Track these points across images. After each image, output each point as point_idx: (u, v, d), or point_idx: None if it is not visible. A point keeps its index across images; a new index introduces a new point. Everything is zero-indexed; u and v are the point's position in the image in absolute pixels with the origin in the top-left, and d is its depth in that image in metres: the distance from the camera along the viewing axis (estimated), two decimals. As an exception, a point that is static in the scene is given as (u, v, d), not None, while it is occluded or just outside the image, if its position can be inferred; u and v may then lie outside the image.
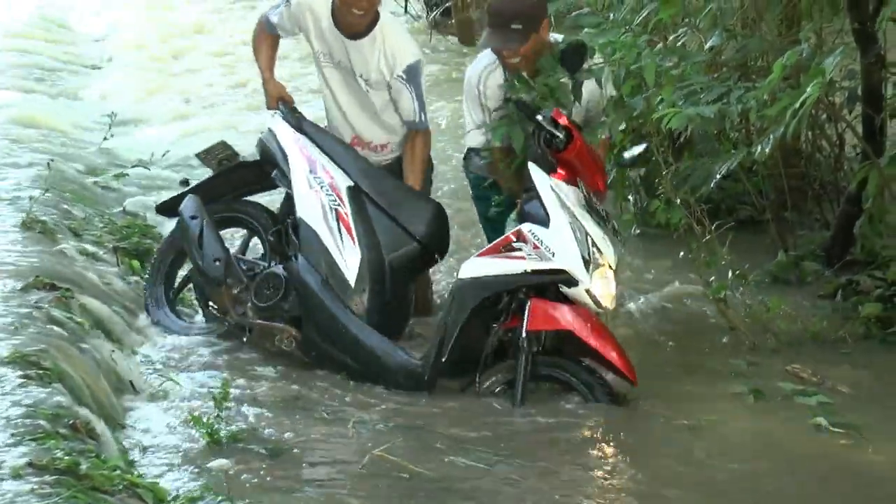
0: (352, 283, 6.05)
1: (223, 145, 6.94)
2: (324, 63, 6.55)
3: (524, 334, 5.49)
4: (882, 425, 5.53)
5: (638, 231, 8.35)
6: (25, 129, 10.11)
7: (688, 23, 7.60)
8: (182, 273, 6.83)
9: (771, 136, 6.27)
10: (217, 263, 6.28)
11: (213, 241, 6.36)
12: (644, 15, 7.74)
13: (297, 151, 6.35)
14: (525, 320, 5.50)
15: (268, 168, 6.52)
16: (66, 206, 7.89)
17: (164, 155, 9.53)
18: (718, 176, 7.17)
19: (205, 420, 5.01)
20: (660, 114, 6.10)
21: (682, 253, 6.93)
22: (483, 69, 6.29)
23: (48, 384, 4.87)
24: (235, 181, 6.80)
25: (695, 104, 6.18)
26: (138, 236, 7.68)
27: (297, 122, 6.48)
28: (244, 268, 6.35)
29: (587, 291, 5.51)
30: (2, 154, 8.94)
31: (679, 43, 7.53)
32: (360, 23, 6.34)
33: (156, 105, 12.48)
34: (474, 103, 6.35)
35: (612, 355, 5.47)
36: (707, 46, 7.45)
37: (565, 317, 5.51)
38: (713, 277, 6.60)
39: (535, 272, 5.53)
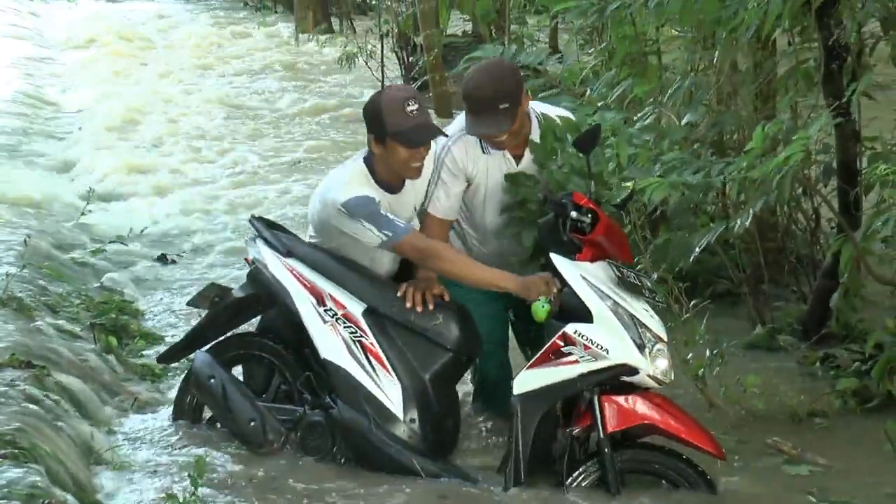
0: (399, 415, 5.80)
1: (213, 286, 6.52)
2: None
3: (602, 436, 5.39)
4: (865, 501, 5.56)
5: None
6: (0, 204, 10.10)
7: (660, 100, 7.66)
8: None
9: (750, 210, 6.31)
10: (253, 424, 5.96)
11: (241, 400, 6.01)
12: (619, 91, 7.83)
13: (298, 284, 5.98)
14: (600, 422, 5.38)
15: (265, 298, 6.19)
16: (42, 283, 7.88)
17: (142, 231, 9.52)
18: (697, 250, 7.19)
19: (180, 498, 4.98)
20: (643, 184, 6.12)
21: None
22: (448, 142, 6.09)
23: (24, 464, 4.86)
24: (234, 315, 6.38)
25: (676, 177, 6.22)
26: (115, 312, 7.67)
27: (283, 244, 6.10)
28: (280, 417, 6.01)
29: (649, 376, 5.42)
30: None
31: (650, 119, 7.59)
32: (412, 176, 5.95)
33: (134, 181, 12.48)
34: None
35: (694, 435, 5.38)
36: (684, 122, 7.51)
37: (640, 409, 5.40)
38: (691, 355, 6.59)
39: (592, 372, 5.41)
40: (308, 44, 21.30)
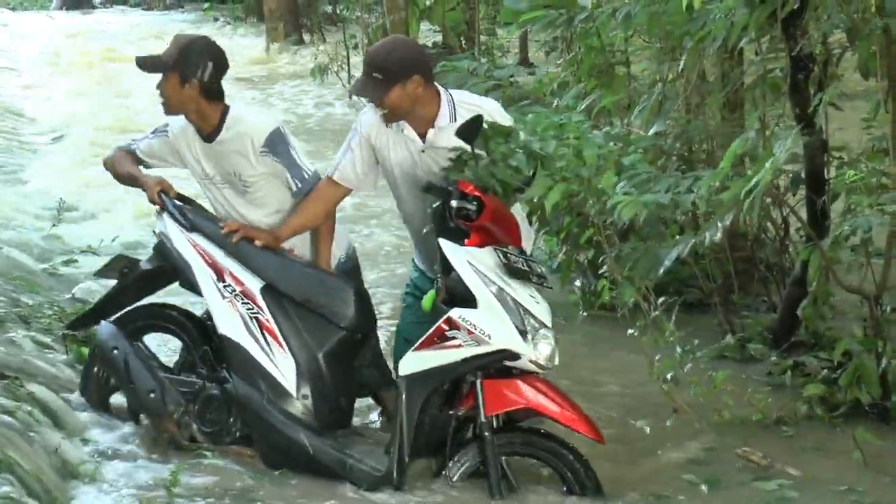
0: (292, 391, 5.91)
1: (121, 257, 6.63)
2: (208, 185, 6.35)
3: (483, 420, 5.48)
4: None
5: (584, 314, 8.40)
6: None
7: (631, 113, 7.72)
8: None
9: (718, 224, 6.36)
10: (153, 395, 6.04)
11: (143, 371, 6.09)
12: (587, 102, 7.88)
13: (199, 260, 6.10)
14: (481, 406, 5.48)
15: (170, 271, 6.29)
16: (14, 294, 7.87)
17: (113, 240, 9.52)
18: (668, 263, 7.23)
19: (155, 509, 5.00)
20: (613, 201, 6.16)
21: (629, 330, 6.96)
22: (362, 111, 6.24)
23: (-3, 474, 4.86)
24: (142, 287, 6.48)
25: (646, 192, 6.25)
26: (87, 323, 7.65)
27: (188, 219, 6.18)
28: (180, 389, 6.10)
29: (531, 361, 5.49)
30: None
31: (618, 129, 7.64)
32: (197, 119, 6.20)
33: (104, 191, 12.46)
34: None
35: (573, 419, 5.45)
36: (651, 132, 7.56)
37: (520, 393, 5.49)
38: (658, 356, 6.63)
39: (475, 357, 5.50)
40: (279, 55, 21.32)
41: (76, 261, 9.36)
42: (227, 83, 6.26)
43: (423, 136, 5.98)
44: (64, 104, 17.26)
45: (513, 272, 5.55)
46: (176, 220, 6.21)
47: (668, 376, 6.57)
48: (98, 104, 17.04)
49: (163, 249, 6.28)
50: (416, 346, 5.59)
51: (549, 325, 5.59)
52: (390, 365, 6.34)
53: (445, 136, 5.90)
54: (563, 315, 8.32)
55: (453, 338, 5.48)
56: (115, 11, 31.55)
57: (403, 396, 5.60)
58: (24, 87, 19.05)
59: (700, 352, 7.00)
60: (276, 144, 6.11)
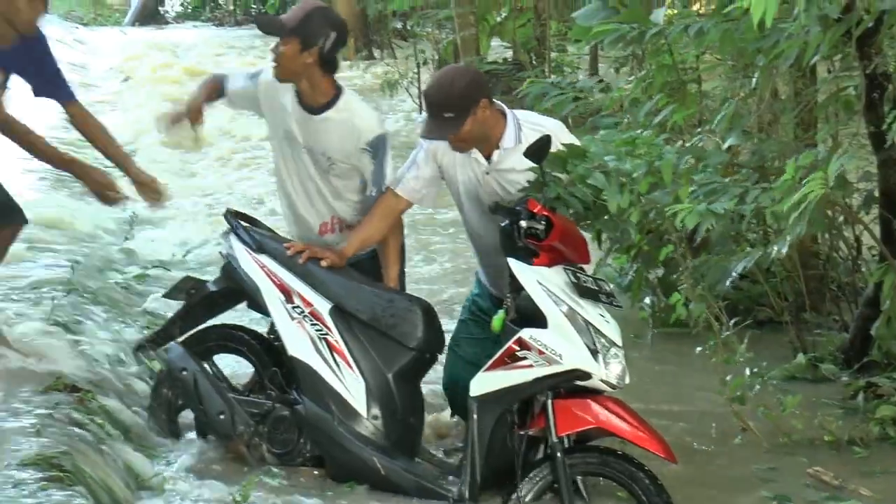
0: (362, 411, 5.92)
1: (188, 279, 6.67)
2: (284, 143, 6.36)
3: (555, 440, 5.44)
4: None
5: (654, 331, 8.39)
6: (47, 229, 10.16)
7: (709, 126, 7.68)
8: None
9: (787, 237, 6.31)
10: (222, 417, 6.06)
11: (212, 392, 6.11)
12: (660, 117, 7.86)
13: (267, 281, 6.12)
14: (552, 426, 5.44)
15: (238, 292, 6.34)
16: (87, 307, 7.93)
17: (184, 255, 9.58)
18: (735, 274, 7.20)
19: (225, 524, 5.02)
20: (674, 209, 6.14)
21: (698, 348, 6.93)
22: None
23: (69, 487, 4.90)
24: (209, 308, 6.55)
25: (715, 203, 6.23)
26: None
27: (255, 240, 6.22)
28: (250, 410, 6.11)
29: (602, 380, 5.47)
30: (24, 255, 8.99)
31: (697, 144, 7.61)
32: (306, 90, 6.19)
33: (178, 205, 12.54)
34: None
35: (644, 439, 5.41)
36: (724, 146, 7.53)
37: (591, 413, 5.47)
38: (730, 376, 6.60)
39: (546, 377, 5.47)
40: (349, 70, 21.40)
41: (148, 275, 9.42)
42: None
43: (487, 158, 5.99)
44: (136, 118, 17.34)
45: (582, 291, 5.53)
46: (243, 241, 6.24)
47: (738, 395, 6.53)
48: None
49: (230, 271, 6.31)
50: (486, 366, 5.57)
51: (620, 344, 5.56)
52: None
53: (510, 158, 5.92)
54: (632, 332, 8.34)
55: (524, 358, 5.46)
56: (187, 26, 31.77)
57: (475, 417, 5.59)
58: (97, 102, 19.20)
59: (770, 372, 6.96)
60: (378, 148, 6.16)
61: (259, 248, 6.18)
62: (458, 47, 15.86)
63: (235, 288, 6.31)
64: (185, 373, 6.14)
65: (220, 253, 6.47)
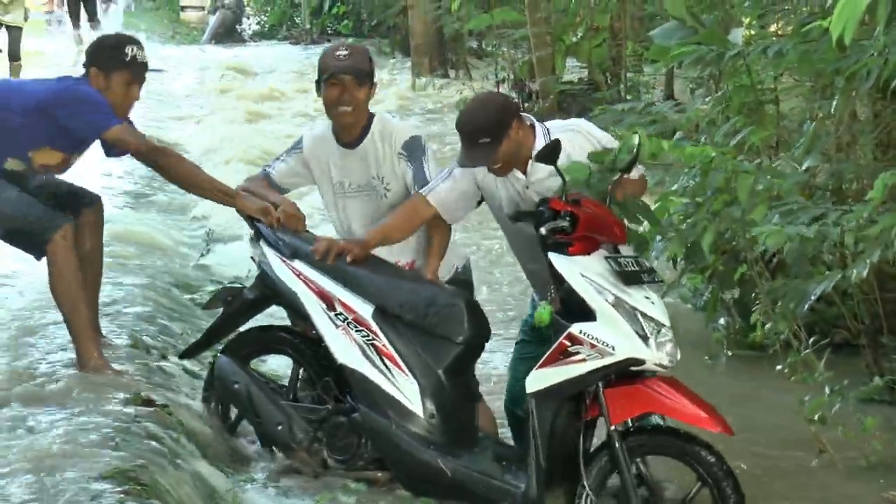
0: (419, 412, 5.92)
1: (225, 288, 6.73)
2: (339, 197, 6.41)
3: (611, 428, 5.49)
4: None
5: (729, 353, 8.34)
6: (126, 245, 10.27)
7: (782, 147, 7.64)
8: None
9: (867, 260, 6.27)
10: (280, 427, 6.10)
11: (267, 404, 6.17)
12: (738, 138, 7.83)
13: (305, 289, 6.10)
14: (606, 415, 5.49)
15: (275, 298, 6.34)
16: (164, 322, 8.00)
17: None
18: (813, 298, 7.15)
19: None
20: (756, 231, 6.11)
21: (777, 367, 6.89)
22: None
23: (145, 500, 4.94)
24: (246, 314, 6.58)
25: (791, 224, 6.19)
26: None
27: (287, 245, 6.21)
28: (306, 416, 6.14)
29: (655, 364, 5.51)
30: (104, 270, 9.08)
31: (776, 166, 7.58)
32: (354, 124, 6.26)
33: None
34: None
35: (699, 417, 5.43)
36: (803, 168, 7.49)
37: (643, 398, 5.51)
38: (808, 396, 6.56)
39: (600, 368, 5.51)
40: (425, 89, 21.47)
41: (224, 290, 9.47)
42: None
43: (524, 172, 6.02)
44: (214, 134, 17.52)
45: (625, 276, 5.58)
46: (274, 247, 6.23)
47: (816, 417, 6.48)
48: (246, 134, 17.26)
49: (265, 279, 6.29)
50: (539, 363, 5.61)
51: (667, 323, 5.59)
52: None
53: (543, 165, 5.93)
54: (706, 353, 8.30)
55: (577, 353, 5.50)
56: (264, 45, 32.03)
57: (534, 413, 5.62)
58: (177, 119, 19.41)
59: (849, 393, 6.90)
60: (413, 150, 6.20)
61: (292, 254, 6.17)
62: (533, 67, 15.87)
63: (272, 295, 6.32)
64: (237, 386, 6.21)
65: (252, 259, 6.47)
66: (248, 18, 35.57)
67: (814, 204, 6.57)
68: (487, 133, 5.84)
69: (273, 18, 34.94)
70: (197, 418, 6.41)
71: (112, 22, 28.80)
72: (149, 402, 6.15)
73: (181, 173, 6.60)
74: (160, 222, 11.73)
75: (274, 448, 6.26)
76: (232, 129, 17.75)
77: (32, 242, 6.53)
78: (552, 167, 5.68)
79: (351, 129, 6.27)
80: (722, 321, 8.61)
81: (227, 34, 32.70)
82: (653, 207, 6.46)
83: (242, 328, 6.70)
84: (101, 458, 5.27)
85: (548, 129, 6.06)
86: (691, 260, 6.94)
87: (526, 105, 16.71)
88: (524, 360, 6.27)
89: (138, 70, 6.64)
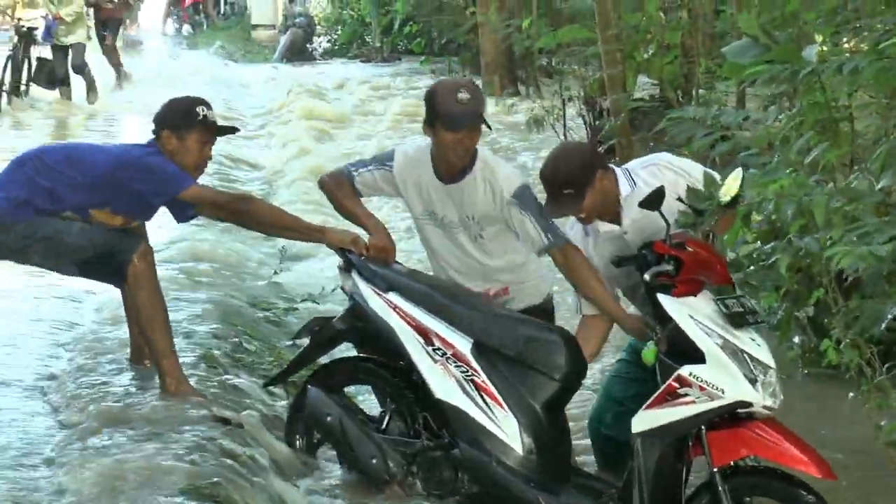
0: (518, 449, 5.88)
1: (315, 319, 6.63)
2: (426, 222, 6.35)
3: (713, 471, 5.47)
4: None
5: (804, 372, 8.28)
6: (197, 261, 10.35)
7: (858, 165, 7.58)
8: None
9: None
10: (374, 461, 6.05)
11: (361, 437, 6.11)
12: (812, 156, 7.77)
13: (402, 323, 6.05)
14: (709, 458, 5.48)
15: (366, 329, 6.26)
16: (237, 340, 8.05)
17: (333, 290, 9.66)
18: (889, 317, 7.08)
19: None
20: (830, 252, 6.07)
21: (850, 394, 6.83)
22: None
23: (221, 516, 4.98)
24: (333, 345, 6.58)
25: (867, 245, 6.14)
26: (308, 370, 7.79)
27: (381, 277, 6.15)
28: (400, 450, 6.09)
29: (762, 406, 5.50)
30: (175, 287, 9.15)
31: (851, 184, 7.51)
32: (459, 165, 6.17)
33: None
34: None
35: (802, 461, 5.40)
36: (878, 187, 7.43)
37: (746, 442, 5.49)
38: (885, 421, 6.49)
39: (708, 411, 5.49)
40: (495, 107, 21.49)
41: (297, 309, 9.52)
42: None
43: (616, 219, 6.02)
44: (281, 154, 17.63)
45: (731, 318, 5.55)
46: (368, 279, 6.19)
47: (894, 440, 6.42)
48: (312, 154, 17.33)
49: (359, 311, 6.23)
50: (647, 404, 5.59)
51: (773, 365, 5.58)
52: None
53: (632, 204, 5.93)
54: (781, 372, 8.23)
55: (685, 395, 5.48)
56: (335, 63, 32.20)
57: (639, 453, 5.61)
58: (246, 138, 19.53)
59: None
60: (524, 197, 6.10)
61: (388, 287, 6.14)
62: (604, 84, 15.82)
63: (363, 328, 6.26)
64: (329, 418, 6.17)
65: (342, 289, 6.43)
66: (319, 37, 35.75)
67: (889, 223, 6.49)
68: (571, 185, 5.86)
69: (344, 37, 35.13)
70: (270, 435, 6.44)
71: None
72: (223, 420, 6.20)
73: (265, 218, 6.64)
74: (232, 239, 11.79)
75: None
76: (299, 148, 17.82)
77: (111, 269, 6.60)
78: (644, 210, 5.69)
79: (451, 165, 6.19)
80: (797, 339, 8.54)
81: (298, 52, 32.92)
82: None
83: (330, 357, 6.74)
84: (178, 475, 5.32)
85: (629, 171, 6.07)
86: (766, 278, 6.88)
87: (597, 123, 16.68)
88: (620, 378, 6.27)
89: (210, 130, 6.74)
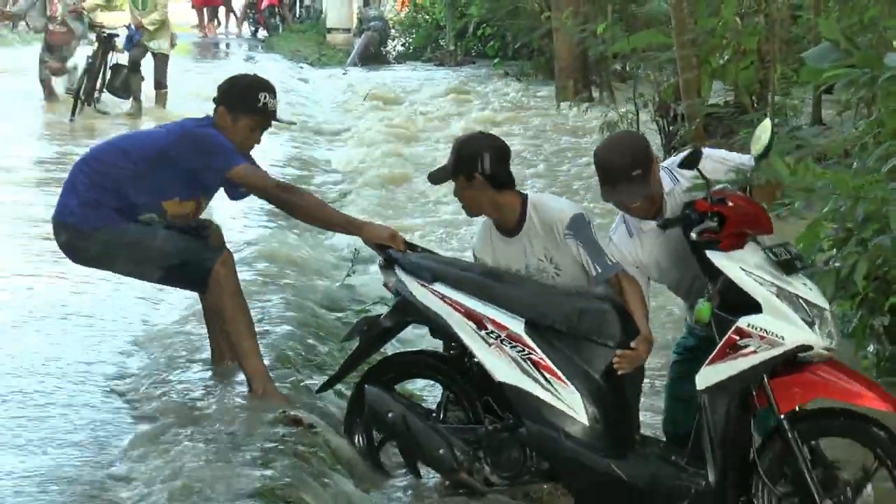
0: (584, 420, 5.90)
1: (362, 319, 6.63)
2: None
3: (780, 417, 5.53)
4: None
5: (879, 380, 8.18)
6: (270, 264, 10.39)
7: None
8: None
9: None
10: (442, 451, 6.05)
11: (425, 430, 6.12)
12: (890, 164, 7.69)
13: (452, 312, 6.06)
14: (774, 406, 5.54)
15: (414, 322, 6.34)
16: (310, 342, 8.08)
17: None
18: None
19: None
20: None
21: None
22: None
23: (294, 518, 5.00)
24: (382, 342, 6.62)
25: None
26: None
27: (426, 269, 6.17)
28: (464, 437, 6.10)
29: (823, 348, 5.55)
30: (249, 290, 9.18)
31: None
32: (511, 212, 6.20)
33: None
34: None
35: (866, 397, 5.46)
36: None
37: (810, 385, 5.55)
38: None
39: (771, 359, 5.55)
40: (570, 111, 21.45)
41: (369, 311, 9.52)
42: (516, 138, 6.34)
43: (659, 213, 6.05)
44: (355, 155, 17.66)
45: (781, 265, 5.60)
46: (411, 273, 6.21)
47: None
48: (385, 157, 17.35)
49: (407, 306, 6.25)
50: (709, 359, 5.65)
51: (827, 306, 5.63)
52: None
53: (675, 198, 6.00)
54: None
55: (746, 346, 5.55)
56: (408, 67, 32.28)
57: (707, 409, 5.69)
58: (322, 139, 19.59)
59: None
60: (579, 228, 6.09)
61: (433, 278, 6.15)
62: (678, 89, 15.76)
63: (413, 321, 6.33)
64: (391, 415, 6.16)
65: (386, 286, 6.44)
66: (393, 40, 35.89)
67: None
68: (639, 165, 5.90)
69: (418, 40, 35.22)
70: (342, 437, 6.45)
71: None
72: (296, 422, 6.22)
73: (306, 208, 6.68)
74: (305, 241, 11.84)
75: (419, 465, 6.28)
76: (372, 150, 17.86)
77: (194, 276, 6.65)
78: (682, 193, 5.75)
79: (502, 218, 6.23)
80: (871, 348, 8.46)
81: (373, 56, 33.00)
82: (803, 234, 6.40)
83: (383, 353, 6.77)
84: (250, 476, 5.35)
85: (668, 168, 6.14)
86: (842, 287, 6.83)
87: (671, 128, 16.62)
88: (680, 379, 6.26)
89: (266, 118, 6.76)
